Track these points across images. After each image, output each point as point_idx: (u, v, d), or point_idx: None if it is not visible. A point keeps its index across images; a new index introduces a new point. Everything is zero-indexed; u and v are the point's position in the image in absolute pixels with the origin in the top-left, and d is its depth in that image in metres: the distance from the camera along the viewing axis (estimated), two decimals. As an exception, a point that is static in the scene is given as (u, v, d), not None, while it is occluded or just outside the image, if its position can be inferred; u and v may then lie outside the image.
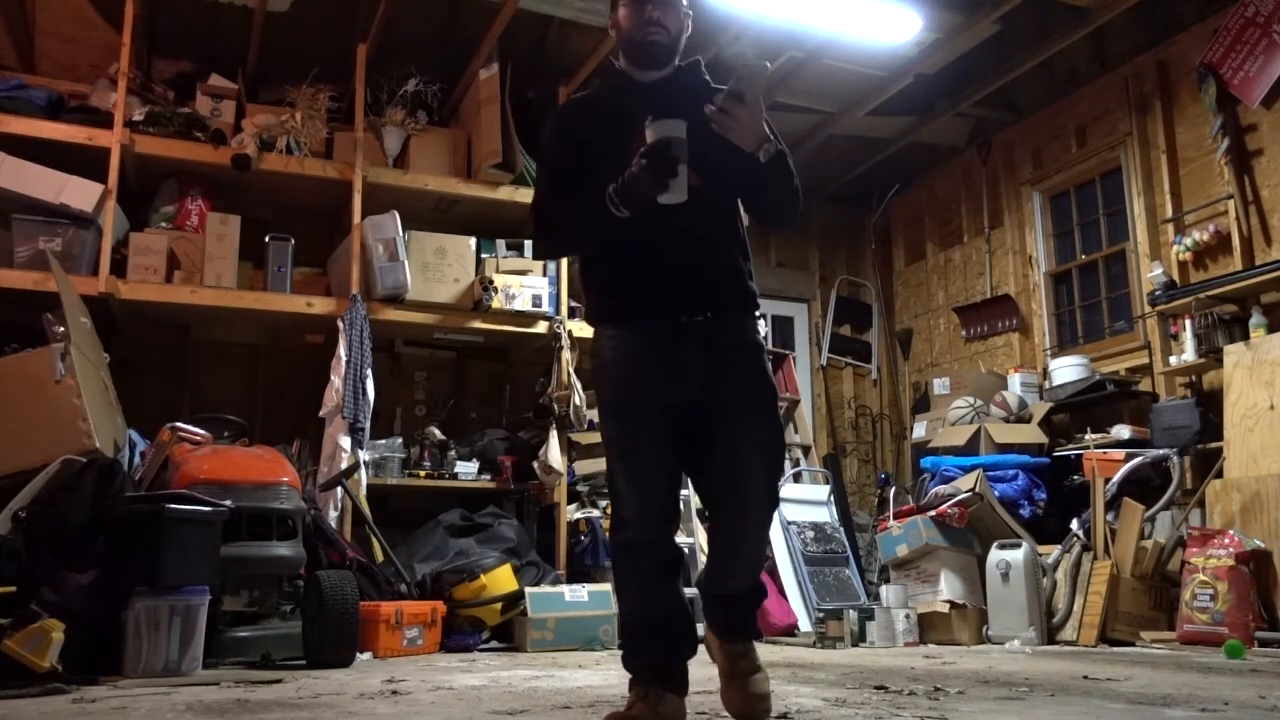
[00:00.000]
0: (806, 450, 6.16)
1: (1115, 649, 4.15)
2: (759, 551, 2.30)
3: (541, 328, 5.57)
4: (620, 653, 2.24)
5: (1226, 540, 4.16)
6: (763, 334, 2.32)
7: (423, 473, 5.36)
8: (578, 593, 4.48)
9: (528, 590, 4.45)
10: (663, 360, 2.16)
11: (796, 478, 5.81)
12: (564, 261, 5.66)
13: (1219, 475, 4.63)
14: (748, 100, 2.03)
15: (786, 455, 6.01)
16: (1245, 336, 4.91)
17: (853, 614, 4.57)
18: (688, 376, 2.15)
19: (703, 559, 5.19)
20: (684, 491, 3.83)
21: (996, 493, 5.05)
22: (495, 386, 6.26)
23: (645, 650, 2.17)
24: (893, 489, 5.62)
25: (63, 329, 3.97)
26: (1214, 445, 4.86)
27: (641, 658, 2.17)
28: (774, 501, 2.24)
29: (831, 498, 5.60)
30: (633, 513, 2.18)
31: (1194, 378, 5.34)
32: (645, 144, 2.03)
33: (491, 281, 5.45)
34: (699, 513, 5.00)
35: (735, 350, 2.20)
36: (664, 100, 2.15)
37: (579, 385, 5.44)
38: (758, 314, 2.33)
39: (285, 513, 3.70)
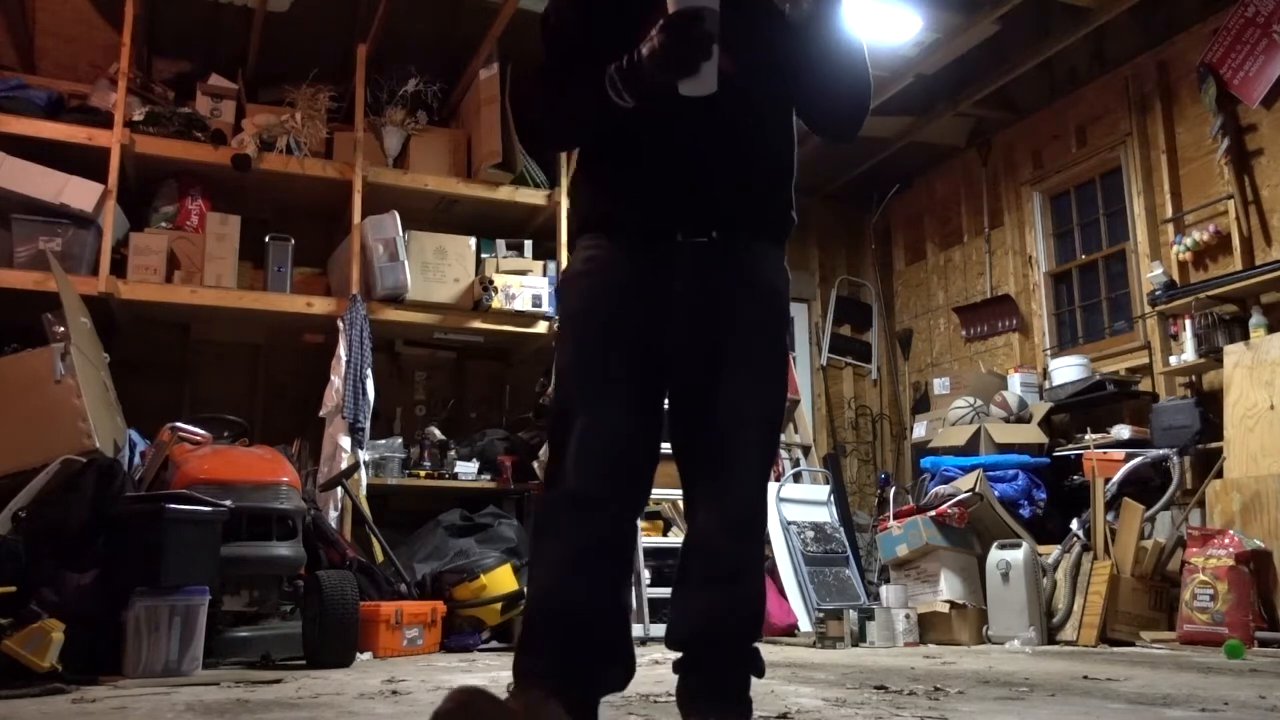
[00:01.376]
0: (806, 450, 6.16)
1: (1115, 649, 4.15)
2: (758, 567, 1.72)
3: (541, 328, 5.58)
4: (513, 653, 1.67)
5: (1226, 540, 4.15)
6: (786, 278, 1.83)
7: (423, 473, 5.37)
8: (578, 593, 4.47)
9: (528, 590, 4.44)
10: (644, 287, 1.68)
11: (796, 478, 5.81)
12: (564, 260, 5.66)
13: (1219, 475, 4.63)
14: None
15: (785, 454, 6.01)
16: (1245, 336, 4.91)
17: (853, 614, 4.57)
18: (673, 314, 1.68)
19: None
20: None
21: (996, 493, 5.05)
22: (495, 386, 6.26)
23: (546, 646, 1.60)
24: (893, 489, 5.62)
25: (63, 329, 3.97)
26: (1214, 445, 4.85)
27: (536, 658, 1.60)
28: (764, 494, 1.74)
29: (831, 498, 5.59)
30: (581, 466, 1.63)
31: (1194, 378, 5.34)
32: (666, 13, 1.54)
33: (491, 281, 5.45)
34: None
35: (745, 288, 1.71)
36: None
37: (579, 385, 5.43)
38: (783, 246, 1.85)
39: (285, 513, 3.70)
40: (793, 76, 1.74)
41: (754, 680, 1.75)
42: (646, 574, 4.74)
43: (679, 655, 1.71)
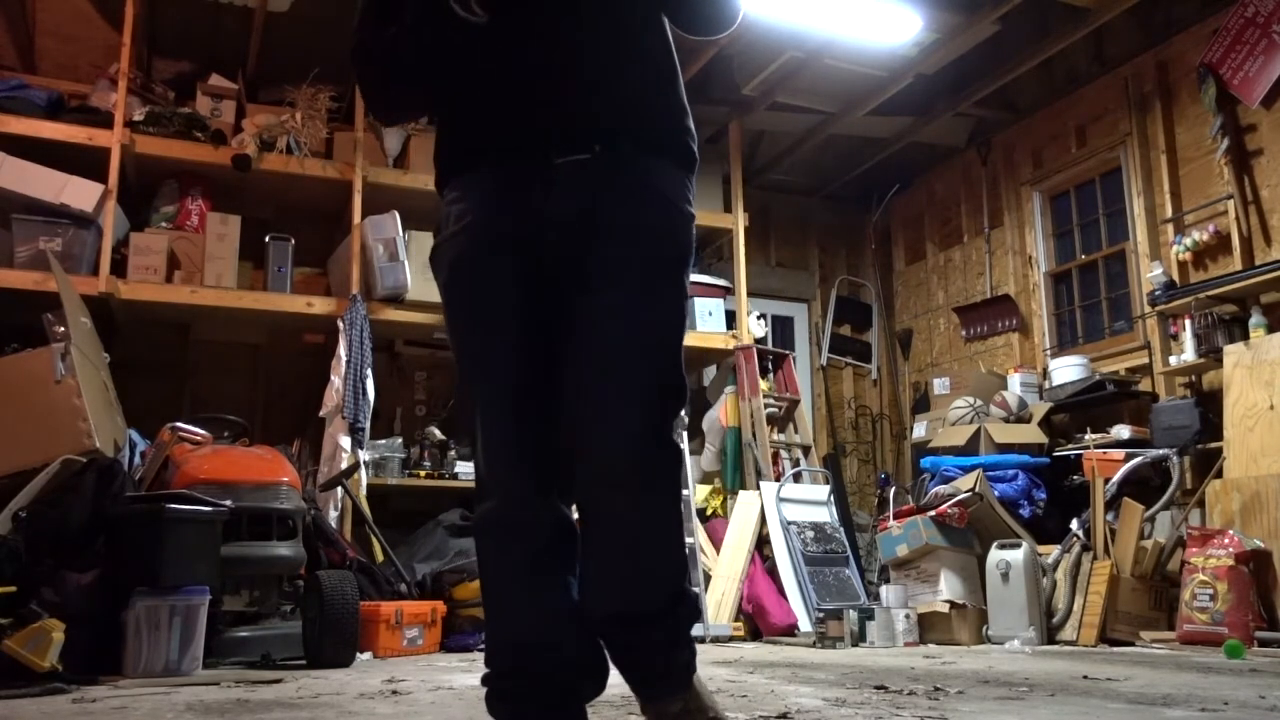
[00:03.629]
0: (806, 450, 6.16)
1: (1115, 649, 4.15)
2: (657, 531, 1.46)
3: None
4: (484, 689, 1.54)
5: (1226, 540, 4.15)
6: (690, 203, 1.57)
7: (423, 473, 5.37)
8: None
9: (528, 590, 4.43)
10: (521, 223, 1.46)
11: (797, 478, 5.81)
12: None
13: (1219, 475, 4.63)
14: None
15: (785, 454, 6.00)
16: (1245, 336, 4.91)
17: (853, 614, 4.57)
18: (559, 247, 1.46)
19: (705, 561, 5.20)
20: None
21: (996, 493, 5.05)
22: (495, 386, 6.25)
23: (513, 690, 1.50)
24: (893, 489, 5.62)
25: (63, 329, 3.97)
26: (1214, 445, 4.86)
27: (508, 703, 1.51)
28: (660, 438, 1.44)
29: (831, 498, 5.60)
30: (492, 471, 1.47)
31: (1194, 378, 5.34)
32: None
33: (491, 281, 5.44)
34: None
35: (628, 201, 1.47)
36: None
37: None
38: (686, 173, 1.57)
39: (285, 513, 3.70)
40: None
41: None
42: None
43: (603, 623, 1.52)
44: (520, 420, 1.46)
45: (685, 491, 4.28)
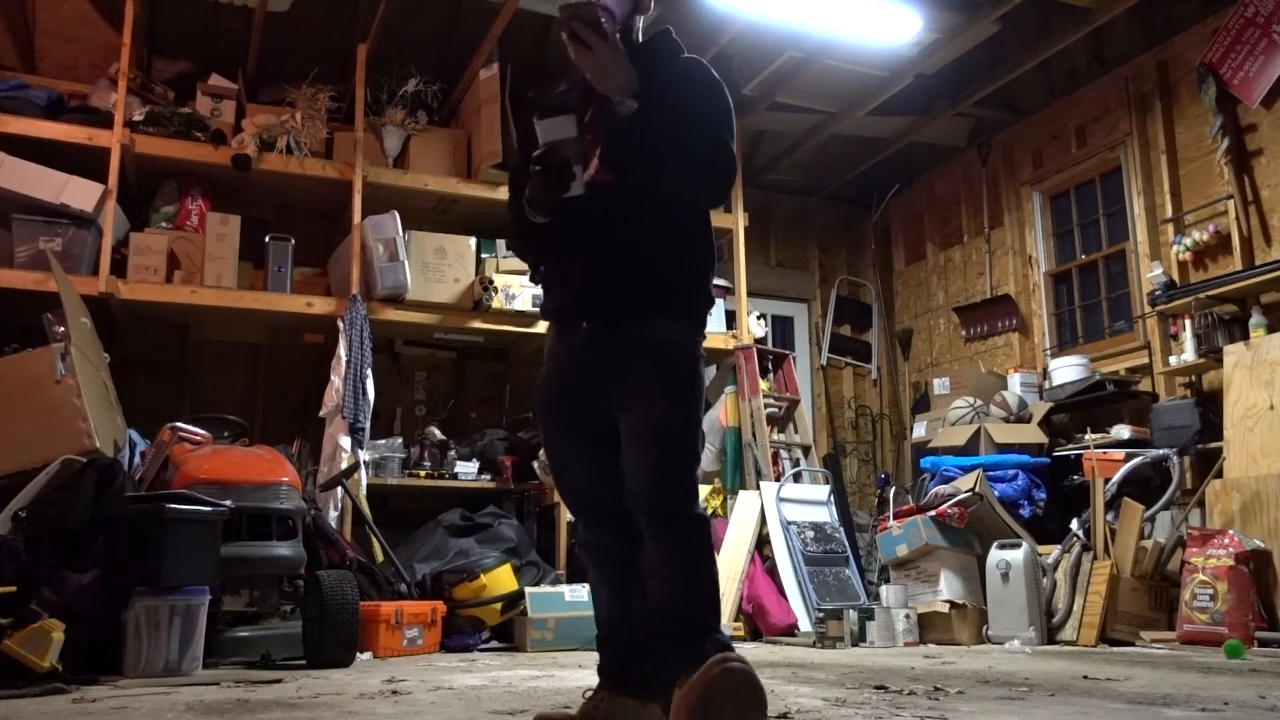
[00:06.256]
0: (806, 450, 6.16)
1: (1115, 649, 4.15)
2: (674, 561, 1.97)
3: (542, 328, 5.57)
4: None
5: (1226, 540, 4.16)
6: (685, 338, 2.14)
7: (423, 473, 5.37)
8: (578, 593, 4.48)
9: (528, 590, 4.45)
10: (571, 368, 2.12)
11: (797, 478, 5.81)
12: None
13: (1219, 475, 4.63)
14: (584, 37, 1.86)
15: (785, 454, 6.01)
16: (1245, 336, 4.91)
17: (853, 614, 4.57)
18: (594, 383, 2.08)
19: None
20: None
21: (996, 493, 5.05)
22: (495, 386, 6.26)
23: (601, 653, 2.16)
24: (893, 489, 5.61)
25: (63, 329, 3.97)
26: (1214, 445, 4.86)
27: (601, 659, 2.16)
28: (672, 491, 1.97)
29: (831, 498, 5.59)
30: (576, 515, 2.25)
31: (1194, 378, 5.34)
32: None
33: (491, 281, 5.45)
34: None
35: (628, 355, 2.04)
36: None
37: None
38: (683, 319, 2.14)
39: (285, 513, 3.70)
40: (651, 164, 1.98)
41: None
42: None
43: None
44: (590, 488, 2.14)
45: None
